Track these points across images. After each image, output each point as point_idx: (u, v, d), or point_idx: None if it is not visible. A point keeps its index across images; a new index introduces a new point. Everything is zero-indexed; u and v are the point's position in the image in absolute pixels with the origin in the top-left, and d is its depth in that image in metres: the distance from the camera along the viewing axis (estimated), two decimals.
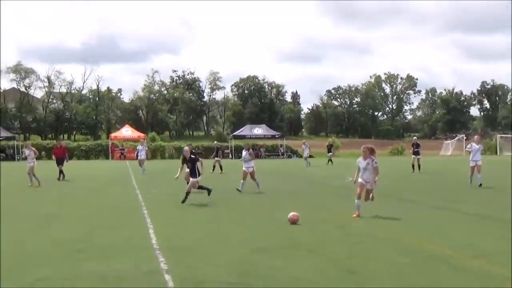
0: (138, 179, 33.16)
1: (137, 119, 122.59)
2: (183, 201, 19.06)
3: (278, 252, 11.33)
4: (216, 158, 41.33)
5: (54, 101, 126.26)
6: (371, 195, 15.88)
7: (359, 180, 15.52)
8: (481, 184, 24.85)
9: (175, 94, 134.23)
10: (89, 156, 78.37)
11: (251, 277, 9.29)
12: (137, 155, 42.84)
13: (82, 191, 26.44)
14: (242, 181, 23.89)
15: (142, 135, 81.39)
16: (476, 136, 30.84)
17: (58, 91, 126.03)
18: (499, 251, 11.33)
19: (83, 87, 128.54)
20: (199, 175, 19.65)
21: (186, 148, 20.55)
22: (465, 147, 37.04)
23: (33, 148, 31.03)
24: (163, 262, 10.47)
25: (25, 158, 32.61)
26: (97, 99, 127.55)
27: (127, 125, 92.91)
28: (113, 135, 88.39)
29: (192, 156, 19.66)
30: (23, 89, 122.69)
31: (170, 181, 25.43)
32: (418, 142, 39.46)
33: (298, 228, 14.28)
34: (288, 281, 9.07)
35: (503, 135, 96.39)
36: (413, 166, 38.09)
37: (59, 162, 33.95)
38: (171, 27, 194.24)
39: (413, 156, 38.78)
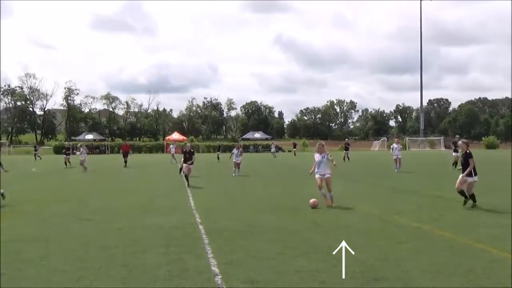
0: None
1: (182, 128, 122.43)
2: (188, 185, 17.21)
3: (271, 212, 11.26)
4: (218, 152, 42.55)
5: (130, 117, 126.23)
6: (330, 185, 12.59)
7: (316, 175, 12.56)
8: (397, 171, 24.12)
9: (206, 112, 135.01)
10: (152, 151, 78.35)
11: (254, 227, 9.23)
12: (171, 151, 42.35)
13: (146, 173, 26.42)
14: (234, 168, 23.21)
15: (185, 138, 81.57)
16: (396, 138, 30.87)
17: (132, 110, 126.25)
18: (408, 210, 11.30)
19: (148, 107, 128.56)
20: (192, 163, 18.37)
21: (188, 144, 19.91)
22: (389, 147, 37.44)
23: (85, 148, 30.00)
24: (197, 217, 10.41)
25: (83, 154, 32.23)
26: (157, 115, 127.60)
27: (176, 132, 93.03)
28: (167, 138, 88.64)
29: (191, 150, 18.85)
30: (111, 109, 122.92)
31: (200, 167, 25.43)
32: (349, 143, 40.06)
33: (284, 196, 14.20)
34: (278, 230, 9.01)
35: (410, 138, 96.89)
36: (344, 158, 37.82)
37: (125, 155, 33.00)
38: (203, 70, 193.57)
39: (344, 151, 38.90)
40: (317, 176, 12.46)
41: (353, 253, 6.86)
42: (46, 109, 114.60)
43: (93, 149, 77.53)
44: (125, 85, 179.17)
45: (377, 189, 16.53)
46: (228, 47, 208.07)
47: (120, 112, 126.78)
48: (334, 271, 6.09)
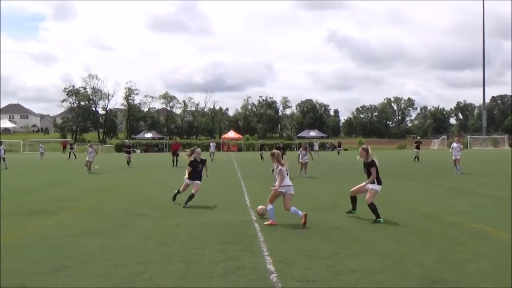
0: (238, 163, 33.36)
1: (237, 126, 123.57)
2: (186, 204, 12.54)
3: (326, 211, 11.18)
4: (260, 152, 40.78)
5: (187, 115, 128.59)
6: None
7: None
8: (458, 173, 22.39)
9: (261, 111, 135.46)
10: (207, 149, 79.39)
11: (308, 226, 9.17)
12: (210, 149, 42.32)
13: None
14: (301, 169, 22.28)
15: (240, 136, 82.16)
16: (456, 137, 28.68)
17: (189, 109, 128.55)
18: (468, 211, 10.91)
19: (204, 106, 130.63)
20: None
21: (198, 149, 13.23)
22: (449, 145, 33.62)
23: (94, 147, 27.01)
24: (253, 215, 10.48)
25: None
26: (213, 114, 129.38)
27: (231, 130, 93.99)
28: (223, 136, 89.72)
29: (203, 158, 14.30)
30: (168, 108, 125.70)
31: (255, 165, 25.51)
32: (421, 141, 38.12)
33: (338, 195, 14.05)
34: (332, 229, 8.93)
35: (472, 136, 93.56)
36: (415, 157, 35.33)
37: (174, 153, 31.90)
38: (257, 69, 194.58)
39: (415, 150, 36.30)
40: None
41: (411, 254, 6.70)
42: (107, 109, 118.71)
43: (152, 147, 79.67)
44: (182, 85, 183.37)
45: (436, 189, 16.04)
46: (282, 45, 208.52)
47: (177, 111, 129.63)
48: (391, 272, 5.97)
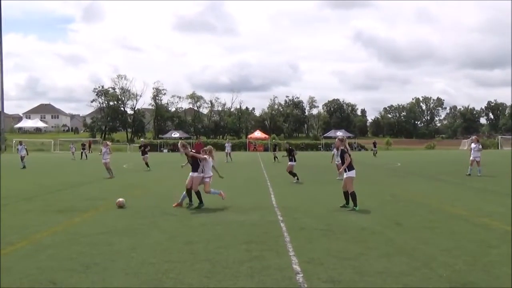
0: (264, 163, 33.33)
1: (264, 126, 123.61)
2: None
3: (352, 211, 11.10)
4: (274, 152, 39.53)
5: (214, 115, 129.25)
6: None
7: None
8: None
9: (287, 111, 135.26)
10: (234, 149, 79.59)
11: (335, 226, 9.13)
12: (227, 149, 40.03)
13: (230, 169, 26.86)
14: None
15: (267, 136, 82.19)
16: (474, 137, 26.48)
17: (216, 109, 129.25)
18: (499, 212, 10.68)
19: (231, 106, 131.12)
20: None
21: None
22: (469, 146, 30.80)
23: (109, 146, 23.07)
24: (279, 215, 10.47)
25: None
26: (239, 114, 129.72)
27: (258, 130, 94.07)
28: (249, 136, 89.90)
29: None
30: (195, 108, 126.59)
31: (282, 165, 25.38)
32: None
33: (365, 195, 13.92)
34: (359, 230, 8.86)
35: (503, 136, 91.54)
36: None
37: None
38: (283, 69, 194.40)
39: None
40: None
41: (439, 256, 6.60)
42: (136, 109, 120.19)
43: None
44: (208, 85, 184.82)
45: (466, 190, 15.76)
46: (308, 45, 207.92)
47: (204, 110, 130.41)
48: (418, 274, 5.89)
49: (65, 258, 6.70)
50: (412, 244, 7.54)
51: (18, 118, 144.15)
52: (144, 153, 27.78)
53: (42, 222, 9.82)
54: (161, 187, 17.25)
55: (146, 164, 27.16)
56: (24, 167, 29.23)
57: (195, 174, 12.05)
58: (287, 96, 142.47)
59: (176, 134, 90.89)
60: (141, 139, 42.20)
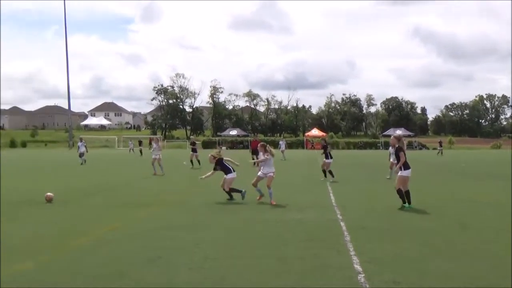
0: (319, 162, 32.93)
1: (321, 124, 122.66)
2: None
3: (414, 211, 10.84)
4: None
5: (271, 113, 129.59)
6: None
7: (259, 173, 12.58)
8: None
9: (344, 109, 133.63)
10: (291, 147, 79.46)
11: (396, 226, 8.95)
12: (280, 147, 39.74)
13: (287, 167, 26.83)
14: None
15: (324, 134, 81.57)
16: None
17: (272, 107, 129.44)
18: None
19: (288, 104, 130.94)
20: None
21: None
22: None
23: (159, 143, 23.09)
24: (338, 214, 10.38)
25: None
26: (296, 112, 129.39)
27: (315, 128, 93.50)
28: (306, 133, 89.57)
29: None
30: (252, 106, 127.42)
31: (339, 163, 25.20)
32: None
33: (427, 195, 13.56)
34: (421, 230, 8.64)
35: None
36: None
37: (254, 152, 26.96)
38: (340, 66, 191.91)
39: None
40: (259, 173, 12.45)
41: (506, 258, 6.34)
42: (194, 106, 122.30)
43: (236, 144, 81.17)
44: (264, 83, 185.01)
45: None
46: (364, 41, 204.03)
47: (261, 108, 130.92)
48: (487, 277, 5.69)
49: (130, 252, 6.94)
50: (477, 244, 7.29)
51: (84, 116, 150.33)
52: (194, 150, 27.86)
53: (106, 216, 10.21)
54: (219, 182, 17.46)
55: (198, 161, 27.15)
56: (82, 163, 30.06)
57: (230, 176, 12.83)
58: (344, 94, 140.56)
59: (233, 132, 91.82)
60: (191, 137, 42.12)
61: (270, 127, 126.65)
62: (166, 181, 18.59)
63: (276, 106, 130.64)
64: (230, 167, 12.99)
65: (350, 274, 5.81)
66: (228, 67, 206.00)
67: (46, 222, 9.56)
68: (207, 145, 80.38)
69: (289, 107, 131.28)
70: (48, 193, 12.52)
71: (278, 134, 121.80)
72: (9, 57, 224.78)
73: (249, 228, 8.84)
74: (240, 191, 12.56)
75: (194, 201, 12.50)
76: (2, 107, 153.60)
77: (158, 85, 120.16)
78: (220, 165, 13.07)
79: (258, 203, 12.01)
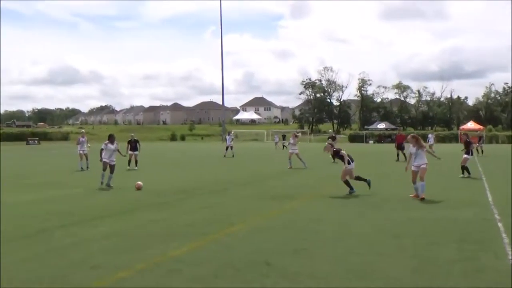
0: (477, 156, 30.55)
1: (478, 116, 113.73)
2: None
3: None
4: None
5: (422, 105, 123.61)
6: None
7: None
8: None
9: (506, 99, 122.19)
10: (444, 141, 74.67)
11: None
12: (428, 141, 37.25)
13: (438, 161, 25.36)
14: None
15: (481, 127, 75.74)
16: None
17: (424, 99, 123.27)
18: None
19: (441, 96, 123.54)
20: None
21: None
22: None
23: (296, 138, 22.94)
24: (496, 213, 9.56)
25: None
26: (450, 103, 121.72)
27: (471, 121, 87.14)
28: (461, 127, 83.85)
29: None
30: (402, 98, 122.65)
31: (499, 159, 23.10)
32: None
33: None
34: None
35: None
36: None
37: (399, 147, 27.16)
38: (502, 54, 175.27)
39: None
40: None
41: None
42: (341, 100, 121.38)
43: (384, 138, 78.84)
44: (416, 73, 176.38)
45: None
46: None
47: (411, 101, 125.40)
48: None
49: (278, 242, 7.16)
50: None
51: (236, 111, 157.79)
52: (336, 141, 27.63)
53: (257, 207, 10.64)
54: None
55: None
56: (226, 155, 31.23)
57: (349, 166, 12.74)
58: (505, 83, 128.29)
59: (381, 125, 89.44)
60: (329, 131, 41.08)
61: (420, 120, 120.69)
62: (314, 174, 18.77)
63: (428, 98, 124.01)
64: (349, 158, 12.82)
65: (508, 280, 5.33)
66: (377, 58, 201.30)
67: (198, 210, 10.26)
68: (353, 138, 79.34)
69: (442, 99, 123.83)
70: (138, 182, 13.73)
71: (429, 128, 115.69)
72: (170, 58, 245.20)
73: (396, 225, 8.56)
74: (365, 180, 12.88)
75: (341, 195, 12.45)
76: (165, 103, 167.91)
77: (306, 79, 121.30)
78: (338, 156, 13.23)
79: (406, 199, 11.55)
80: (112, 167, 14.49)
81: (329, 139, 24.76)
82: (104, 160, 14.53)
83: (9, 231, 7.99)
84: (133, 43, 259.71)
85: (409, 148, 12.36)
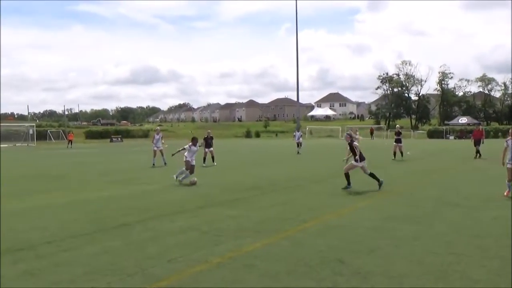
0: None
1: None
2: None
3: None
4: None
5: (508, 99, 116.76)
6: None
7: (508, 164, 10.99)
8: None
9: None
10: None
11: None
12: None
13: None
14: None
15: None
16: None
17: (510, 92, 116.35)
18: None
19: None
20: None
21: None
22: None
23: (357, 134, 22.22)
24: None
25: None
26: None
27: None
28: None
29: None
30: (486, 91, 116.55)
31: None
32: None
33: None
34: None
35: None
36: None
37: (476, 143, 25.59)
38: None
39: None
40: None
41: None
42: (420, 94, 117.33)
43: (466, 133, 75.40)
44: (501, 65, 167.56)
45: None
46: None
47: (496, 94, 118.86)
48: None
49: (351, 240, 7.07)
50: None
51: (311, 107, 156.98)
52: (397, 141, 25.13)
53: (331, 204, 10.57)
54: (443, 176, 16.56)
55: (401, 153, 25.01)
56: (299, 152, 31.23)
57: (356, 163, 12.81)
58: None
59: (463, 120, 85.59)
60: (397, 126, 38.77)
61: (506, 114, 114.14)
62: (389, 171, 18.34)
63: None
64: (362, 154, 12.89)
65: None
66: (459, 50, 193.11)
67: (271, 207, 10.33)
68: (433, 134, 76.55)
69: None
70: (194, 178, 14.28)
71: None
72: (246, 55, 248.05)
73: (477, 225, 8.19)
74: (378, 180, 12.79)
75: (417, 193, 12.09)
76: (240, 100, 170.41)
77: (383, 74, 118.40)
78: (350, 148, 13.08)
79: (488, 198, 11.00)
80: (192, 167, 14.97)
81: (396, 135, 24.51)
82: (187, 160, 15.06)
83: (89, 226, 8.47)
84: (209, 42, 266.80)
85: (506, 141, 11.46)
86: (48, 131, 73.27)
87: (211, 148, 22.35)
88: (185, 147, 15.43)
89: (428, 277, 5.35)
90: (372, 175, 12.89)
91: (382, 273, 5.49)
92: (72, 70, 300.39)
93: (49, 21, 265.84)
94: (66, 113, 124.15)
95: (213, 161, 22.11)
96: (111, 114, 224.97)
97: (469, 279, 5.26)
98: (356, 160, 12.76)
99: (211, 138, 22.74)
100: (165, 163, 21.52)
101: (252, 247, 6.70)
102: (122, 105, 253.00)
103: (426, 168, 19.89)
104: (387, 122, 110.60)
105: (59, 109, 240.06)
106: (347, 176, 12.88)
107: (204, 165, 21.25)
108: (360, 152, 12.77)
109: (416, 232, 7.55)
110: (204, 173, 17.68)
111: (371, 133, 72.83)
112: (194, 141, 15.47)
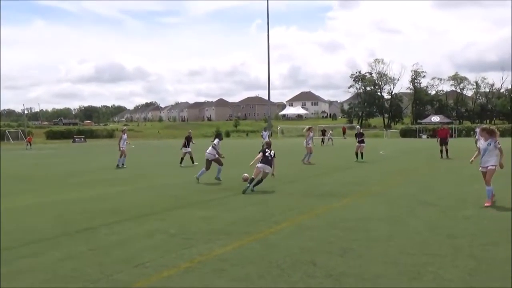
0: None
1: None
2: None
3: None
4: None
5: (480, 97, 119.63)
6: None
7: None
8: None
9: None
10: (503, 135, 71.94)
11: None
12: None
13: None
14: None
15: None
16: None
17: (482, 90, 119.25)
18: None
19: (501, 87, 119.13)
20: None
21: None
22: None
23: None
24: None
25: None
26: (511, 95, 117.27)
27: None
28: None
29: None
30: (458, 90, 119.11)
31: None
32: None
33: None
34: None
35: None
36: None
37: (442, 142, 25.18)
38: None
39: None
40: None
41: None
42: (393, 93, 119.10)
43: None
44: (473, 64, 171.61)
45: None
46: None
47: (468, 93, 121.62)
48: None
49: (324, 241, 7.12)
50: None
51: (282, 106, 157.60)
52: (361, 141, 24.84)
53: (304, 205, 10.61)
54: (418, 175, 16.84)
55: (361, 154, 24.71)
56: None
57: (260, 165, 13.05)
58: None
59: (436, 119, 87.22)
60: (357, 126, 38.94)
61: (478, 113, 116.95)
62: (363, 171, 18.55)
63: (487, 90, 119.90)
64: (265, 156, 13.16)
65: None
66: (431, 49, 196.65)
67: (243, 208, 10.33)
68: (405, 133, 77.82)
69: (502, 90, 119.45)
70: (245, 174, 14.36)
71: (487, 121, 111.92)
72: (215, 53, 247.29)
73: (451, 224, 8.35)
74: (257, 183, 12.92)
75: (392, 192, 12.26)
76: (210, 99, 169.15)
77: (356, 72, 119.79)
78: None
79: (461, 198, 11.23)
80: (210, 162, 15.49)
81: (358, 136, 23.91)
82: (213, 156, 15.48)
83: (52, 230, 8.30)
84: (178, 39, 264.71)
85: (479, 142, 11.05)
86: (7, 131, 71.68)
87: (189, 149, 22.57)
88: (216, 143, 15.65)
89: (402, 278, 5.42)
90: (252, 180, 12.85)
91: (355, 274, 5.54)
92: (34, 68, 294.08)
93: (8, 15, 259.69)
94: (26, 112, 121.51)
95: (192, 162, 22.17)
96: (73, 113, 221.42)
97: (444, 279, 5.35)
98: (262, 162, 13.07)
99: (191, 138, 23.38)
100: (123, 164, 21.94)
101: (223, 250, 6.67)
102: (86, 104, 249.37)
103: (400, 168, 20.20)
104: (360, 121, 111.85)
105: (18, 108, 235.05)
106: (251, 180, 12.87)
107: (181, 165, 21.68)
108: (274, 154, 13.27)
109: (390, 232, 7.65)
110: (180, 173, 17.54)
111: (344, 132, 73.53)
112: (219, 136, 16.38)
